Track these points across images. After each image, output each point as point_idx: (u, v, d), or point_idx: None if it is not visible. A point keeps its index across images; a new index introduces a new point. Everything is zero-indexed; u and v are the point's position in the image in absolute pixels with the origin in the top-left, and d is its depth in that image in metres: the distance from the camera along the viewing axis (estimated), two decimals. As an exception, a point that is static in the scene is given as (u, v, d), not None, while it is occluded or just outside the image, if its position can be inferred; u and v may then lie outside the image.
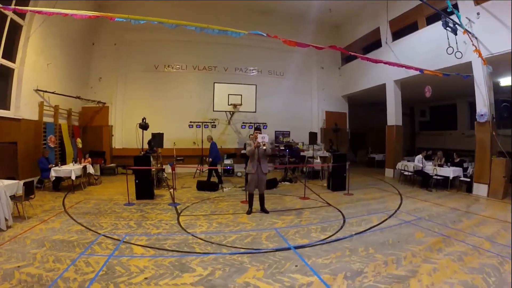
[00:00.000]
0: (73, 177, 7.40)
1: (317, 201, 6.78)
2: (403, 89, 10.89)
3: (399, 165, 9.53)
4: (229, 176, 10.60)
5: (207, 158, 9.06)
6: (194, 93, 12.15)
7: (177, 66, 12.23)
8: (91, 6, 10.43)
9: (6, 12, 6.50)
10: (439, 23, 6.97)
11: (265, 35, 4.45)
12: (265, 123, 12.58)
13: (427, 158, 9.28)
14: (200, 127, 11.88)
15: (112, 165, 10.93)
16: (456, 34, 6.90)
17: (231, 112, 11.78)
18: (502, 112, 6.89)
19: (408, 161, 9.72)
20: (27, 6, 7.00)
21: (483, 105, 7.40)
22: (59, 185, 7.63)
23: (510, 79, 8.26)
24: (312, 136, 11.10)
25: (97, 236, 4.31)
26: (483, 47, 7.13)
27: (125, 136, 11.43)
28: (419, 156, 8.69)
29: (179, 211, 5.81)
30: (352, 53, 6.38)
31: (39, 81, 8.35)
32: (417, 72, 7.56)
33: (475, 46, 6.95)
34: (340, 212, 5.81)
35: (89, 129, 11.28)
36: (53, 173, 7.30)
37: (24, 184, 5.24)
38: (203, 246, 4.00)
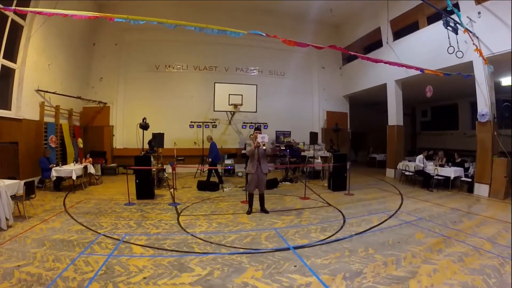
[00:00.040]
0: (74, 177, 7.43)
1: (318, 201, 6.77)
2: (404, 89, 10.86)
3: (400, 165, 9.51)
4: (230, 176, 10.60)
5: (207, 158, 9.08)
6: (195, 93, 12.16)
7: (178, 66, 12.25)
8: (91, 6, 10.49)
9: (7, 12, 6.53)
10: (440, 22, 6.94)
11: (264, 35, 4.45)
12: (266, 123, 12.58)
13: (428, 158, 9.25)
14: (200, 127, 11.89)
15: (113, 165, 10.96)
16: (457, 33, 6.87)
17: (232, 112, 11.78)
18: (504, 112, 6.86)
19: (409, 161, 9.69)
20: (28, 6, 7.04)
21: (484, 105, 7.37)
22: (60, 185, 7.65)
23: (511, 78, 8.21)
24: (313, 136, 11.08)
25: (97, 236, 4.32)
26: (484, 47, 7.10)
27: (126, 136, 11.45)
28: (420, 156, 8.67)
29: (179, 211, 5.82)
30: (352, 53, 6.37)
31: (40, 81, 8.38)
32: (418, 72, 7.54)
33: (475, 46, 6.92)
34: (340, 212, 5.80)
35: (90, 129, 11.31)
36: (54, 173, 7.32)
37: (25, 184, 5.26)
38: (202, 246, 4.00)
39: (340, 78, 14.32)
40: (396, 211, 5.87)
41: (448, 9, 6.15)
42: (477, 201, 6.77)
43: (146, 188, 6.86)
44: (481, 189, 7.33)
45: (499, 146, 7.14)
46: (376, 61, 6.62)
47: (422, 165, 8.49)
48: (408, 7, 9.79)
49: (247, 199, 5.90)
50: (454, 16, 6.79)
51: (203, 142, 11.27)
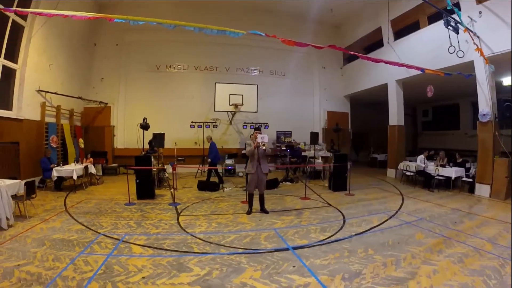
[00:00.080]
0: (75, 177, 7.45)
1: (318, 201, 6.76)
2: (405, 89, 10.83)
3: (401, 165, 9.48)
4: (231, 176, 10.61)
5: (207, 158, 9.10)
6: (196, 93, 12.18)
7: (179, 66, 12.26)
8: (92, 7, 10.54)
9: (7, 13, 6.55)
10: (441, 22, 6.91)
11: (263, 34, 4.45)
12: (267, 123, 12.59)
13: (429, 158, 9.21)
14: (201, 127, 11.89)
15: (114, 165, 10.98)
16: (457, 33, 6.84)
17: (233, 112, 11.78)
18: (505, 112, 6.82)
19: (410, 161, 9.66)
20: (29, 7, 7.07)
21: (485, 104, 7.34)
22: (61, 184, 7.68)
23: (511, 78, 8.18)
24: (314, 136, 11.07)
25: (97, 236, 4.33)
26: (485, 46, 7.06)
27: (127, 136, 11.47)
28: (421, 156, 8.64)
29: (179, 211, 5.82)
30: (352, 53, 6.36)
31: (41, 81, 8.42)
32: (419, 72, 7.51)
33: (476, 45, 6.88)
34: (341, 212, 5.78)
35: (91, 129, 11.35)
36: (55, 173, 7.35)
37: (25, 183, 5.28)
38: (201, 246, 4.00)
39: (341, 78, 14.29)
40: (397, 212, 5.85)
41: (448, 8, 6.12)
42: (478, 202, 6.74)
43: (147, 188, 6.87)
44: (482, 190, 7.29)
45: (501, 146, 7.11)
46: (376, 60, 6.59)
47: (423, 165, 8.46)
48: (408, 7, 9.75)
49: (247, 199, 5.90)
50: (454, 16, 6.77)
51: (203, 142, 11.28)
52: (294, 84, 13.45)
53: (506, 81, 8.75)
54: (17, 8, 4.24)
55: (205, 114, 12.01)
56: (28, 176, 7.08)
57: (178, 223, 5.06)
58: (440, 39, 7.82)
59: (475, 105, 8.98)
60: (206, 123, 11.96)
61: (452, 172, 7.78)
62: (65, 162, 9.08)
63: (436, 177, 8.00)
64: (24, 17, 7.35)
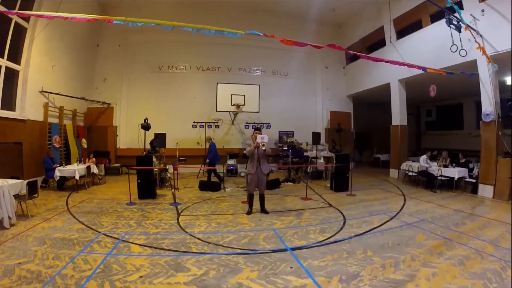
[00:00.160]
0: (77, 177, 7.52)
1: (319, 202, 6.74)
2: (408, 89, 10.74)
3: (404, 166, 9.41)
4: (233, 176, 10.61)
5: (206, 159, 9.14)
6: (198, 94, 12.21)
7: (181, 66, 12.30)
8: (94, 7, 10.62)
9: (10, 15, 6.63)
10: (444, 21, 6.85)
11: (261, 34, 4.43)
12: (269, 123, 12.57)
13: (432, 158, 9.13)
14: (203, 127, 11.91)
15: (116, 165, 11.06)
16: (460, 31, 6.77)
17: (235, 112, 11.77)
18: (508, 111, 6.73)
19: (413, 161, 9.59)
20: (32, 8, 7.14)
21: (488, 104, 7.25)
22: (63, 184, 7.75)
23: (512, 77, 8.07)
24: (316, 136, 11.04)
25: (97, 235, 4.37)
26: (488, 45, 6.97)
27: (129, 136, 11.53)
28: (424, 157, 8.55)
29: (180, 211, 5.84)
30: (352, 52, 6.32)
31: (44, 82, 8.49)
32: (422, 71, 7.44)
33: (478, 44, 6.79)
34: (341, 213, 5.75)
35: (94, 129, 11.43)
36: (57, 173, 7.43)
37: (28, 183, 5.34)
38: (200, 246, 4.01)
39: (343, 78, 14.22)
40: (398, 212, 5.80)
41: (447, 6, 6.05)
42: (481, 203, 6.66)
43: (148, 188, 6.90)
44: (485, 190, 7.20)
45: (504, 146, 7.01)
46: (377, 60, 6.55)
47: (426, 166, 8.38)
48: (411, 6, 9.68)
49: (247, 200, 5.89)
50: (457, 14, 6.68)
51: (205, 142, 11.30)
52: (297, 84, 13.41)
53: (510, 80, 8.62)
54: (19, 11, 4.29)
55: (207, 114, 12.02)
56: (31, 176, 7.15)
57: (178, 223, 5.07)
58: (443, 38, 7.73)
59: (479, 105, 8.86)
60: (208, 123, 11.98)
61: (455, 172, 7.70)
62: (68, 162, 9.16)
63: (439, 177, 7.92)
64: (26, 19, 7.42)
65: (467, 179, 7.86)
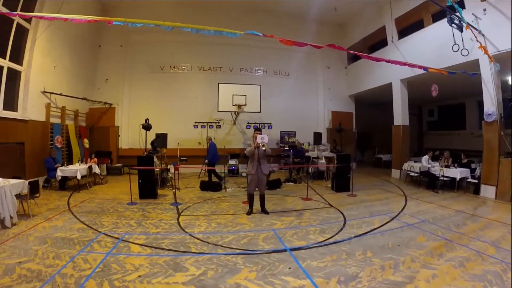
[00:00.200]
0: (79, 177, 7.57)
1: (319, 202, 6.72)
2: (410, 88, 10.69)
3: (405, 166, 9.36)
4: (234, 176, 10.62)
5: (205, 159, 9.16)
6: (199, 94, 12.23)
7: (183, 67, 12.33)
8: (96, 7, 10.66)
9: (12, 17, 6.67)
10: (445, 20, 6.81)
11: (261, 35, 4.43)
12: (270, 123, 12.58)
13: (434, 158, 9.08)
14: (205, 127, 11.94)
15: (118, 165, 11.11)
16: (462, 31, 6.72)
17: (236, 113, 11.78)
18: (511, 111, 6.68)
19: (415, 161, 9.54)
20: (33, 8, 7.18)
21: (490, 104, 7.19)
22: (65, 184, 7.79)
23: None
24: (317, 137, 11.01)
25: (98, 234, 4.39)
26: (490, 44, 6.92)
27: (131, 136, 11.58)
28: (426, 157, 8.50)
29: (180, 211, 5.85)
30: (352, 52, 6.30)
31: (46, 83, 8.55)
32: (424, 71, 7.40)
33: (480, 43, 6.74)
34: (342, 213, 5.73)
35: (96, 129, 11.49)
36: (59, 173, 7.47)
37: (29, 183, 5.38)
38: (199, 246, 4.01)
39: (345, 78, 14.17)
40: (399, 213, 5.76)
41: (447, 4, 6.01)
42: (483, 203, 6.61)
43: (149, 188, 6.92)
44: (487, 191, 7.14)
45: (506, 147, 6.96)
46: (378, 60, 6.52)
47: (428, 166, 8.33)
48: (412, 5, 9.63)
49: (248, 200, 5.89)
50: (458, 13, 6.64)
51: (207, 143, 11.32)
52: (298, 84, 13.39)
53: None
54: (20, 12, 4.33)
55: (208, 115, 12.05)
56: (33, 176, 7.18)
57: (178, 223, 5.08)
58: (445, 38, 7.70)
59: (481, 105, 8.82)
60: (210, 124, 12.00)
61: (457, 173, 7.64)
62: (70, 162, 9.22)
63: (440, 178, 7.87)
64: (28, 20, 7.45)
65: (469, 180, 7.81)
